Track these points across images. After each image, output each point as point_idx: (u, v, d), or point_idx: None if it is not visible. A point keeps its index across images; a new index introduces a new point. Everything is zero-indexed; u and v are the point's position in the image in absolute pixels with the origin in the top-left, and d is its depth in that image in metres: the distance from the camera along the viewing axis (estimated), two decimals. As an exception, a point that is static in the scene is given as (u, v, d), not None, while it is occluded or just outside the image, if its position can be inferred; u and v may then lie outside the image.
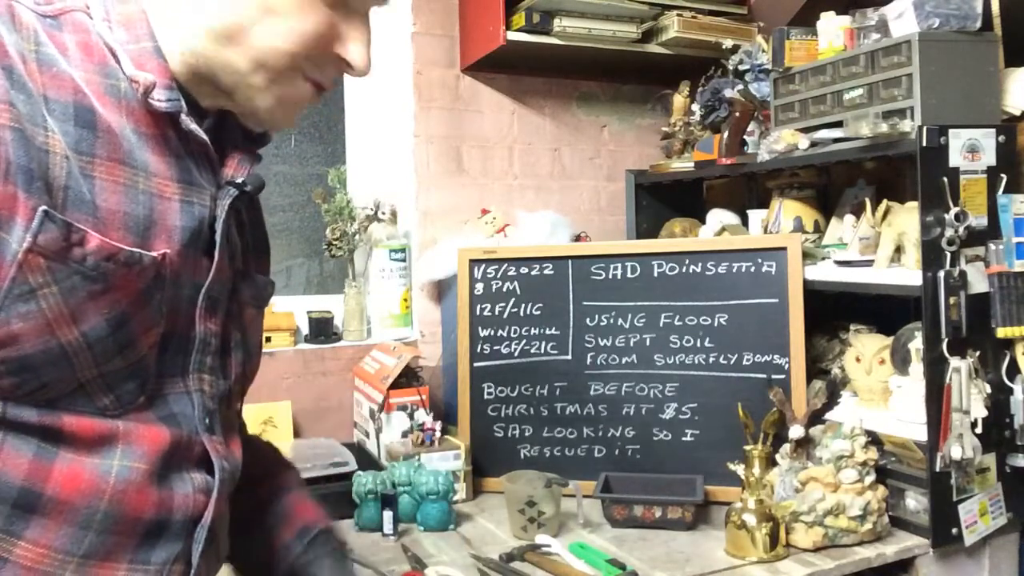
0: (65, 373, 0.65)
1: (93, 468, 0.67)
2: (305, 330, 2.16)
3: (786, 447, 1.68)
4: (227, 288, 0.78)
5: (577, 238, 2.28)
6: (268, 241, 0.93)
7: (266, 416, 1.98)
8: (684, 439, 1.85)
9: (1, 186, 0.60)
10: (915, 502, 1.60)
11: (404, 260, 2.22)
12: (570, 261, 1.96)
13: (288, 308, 2.13)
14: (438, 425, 1.87)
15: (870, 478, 1.56)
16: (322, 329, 2.15)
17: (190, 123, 0.71)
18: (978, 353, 1.55)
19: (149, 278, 0.68)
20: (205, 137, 0.73)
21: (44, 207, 0.62)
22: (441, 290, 2.27)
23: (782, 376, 1.79)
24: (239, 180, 0.76)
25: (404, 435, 1.88)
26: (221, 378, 0.79)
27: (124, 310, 0.67)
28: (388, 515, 1.62)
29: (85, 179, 0.65)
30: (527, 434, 1.94)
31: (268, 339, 2.04)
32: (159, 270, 0.69)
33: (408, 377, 1.96)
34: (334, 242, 2.16)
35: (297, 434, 2.03)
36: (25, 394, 0.64)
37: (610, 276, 1.94)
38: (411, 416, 1.90)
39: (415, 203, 2.26)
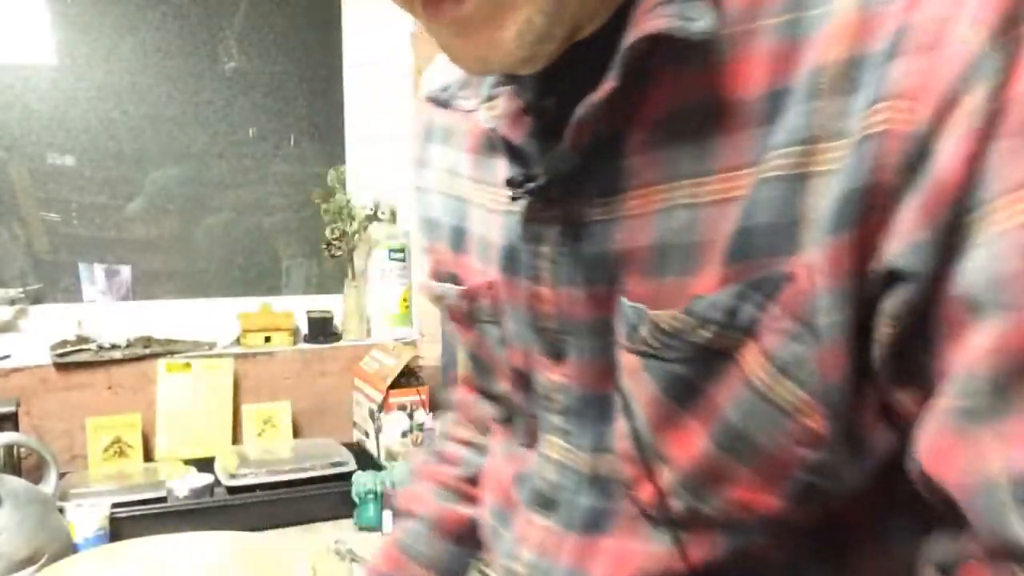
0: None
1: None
2: (304, 330, 2.16)
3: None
4: (579, 323, 0.52)
5: (577, 237, 2.27)
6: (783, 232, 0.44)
7: (266, 416, 1.98)
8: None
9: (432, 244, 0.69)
10: (916, 501, 1.59)
11: (404, 260, 2.22)
12: (570, 260, 1.96)
13: (287, 308, 2.13)
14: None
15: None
16: (321, 329, 2.14)
17: (464, 104, 0.60)
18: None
19: (464, 310, 0.62)
20: (493, 124, 0.52)
21: (429, 248, 0.69)
22: (441, 290, 2.26)
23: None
24: (544, 168, 0.50)
25: (404, 435, 1.88)
26: (584, 451, 0.55)
27: (467, 341, 0.65)
28: (388, 515, 1.62)
29: (469, 207, 0.61)
30: (527, 434, 1.93)
31: (268, 339, 2.04)
32: (474, 301, 0.60)
33: (408, 377, 1.96)
34: (333, 242, 2.15)
35: (296, 434, 2.03)
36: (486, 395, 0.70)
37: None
38: (411, 416, 1.89)
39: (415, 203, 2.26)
